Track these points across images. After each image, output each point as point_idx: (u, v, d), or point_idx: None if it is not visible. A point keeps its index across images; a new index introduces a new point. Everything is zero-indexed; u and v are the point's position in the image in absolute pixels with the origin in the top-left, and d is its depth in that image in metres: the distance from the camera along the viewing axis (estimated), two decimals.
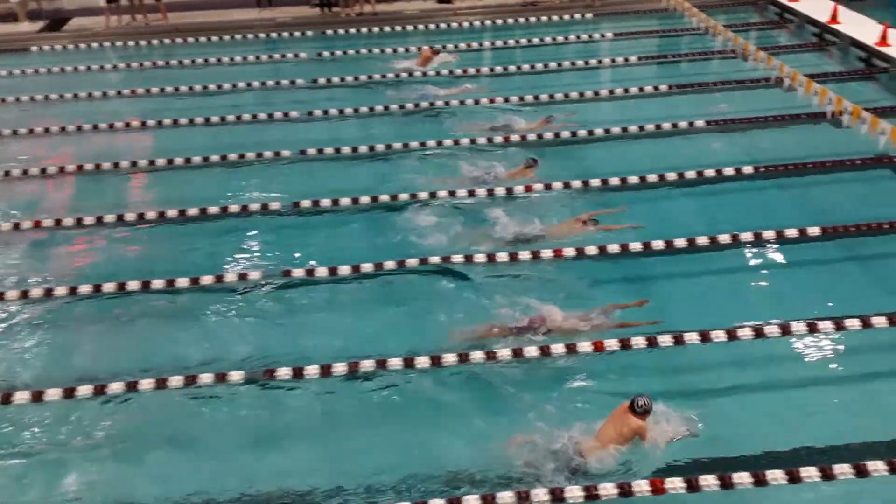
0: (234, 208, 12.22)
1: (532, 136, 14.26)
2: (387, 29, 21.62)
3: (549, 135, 14.27)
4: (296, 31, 21.63)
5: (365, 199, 12.24)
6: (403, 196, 12.21)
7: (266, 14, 22.82)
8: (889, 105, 14.73)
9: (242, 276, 10.49)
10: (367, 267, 10.44)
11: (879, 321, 8.87)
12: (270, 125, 15.69)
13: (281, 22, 22.17)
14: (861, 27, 18.25)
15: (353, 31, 21.57)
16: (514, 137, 14.22)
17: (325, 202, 12.23)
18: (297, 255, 11.07)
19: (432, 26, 21.73)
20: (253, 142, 14.58)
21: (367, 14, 22.39)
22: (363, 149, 14.10)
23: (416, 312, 9.87)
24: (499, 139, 14.15)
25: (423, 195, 12.19)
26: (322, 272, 10.44)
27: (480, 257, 10.46)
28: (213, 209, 12.17)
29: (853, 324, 8.87)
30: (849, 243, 10.70)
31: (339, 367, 8.61)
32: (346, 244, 11.36)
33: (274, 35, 21.51)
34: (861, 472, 6.95)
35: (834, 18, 18.81)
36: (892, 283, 9.97)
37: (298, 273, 10.46)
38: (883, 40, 16.93)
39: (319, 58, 19.57)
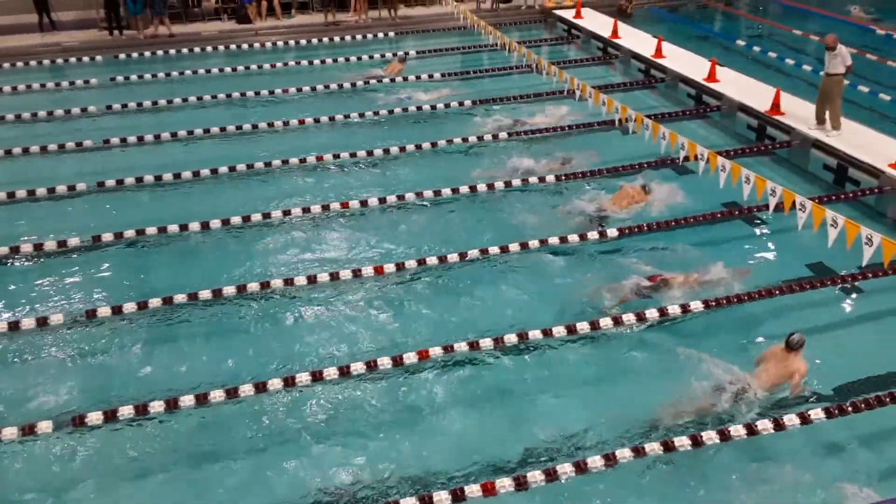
0: (26, 248, 11.31)
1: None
2: (184, 51, 20.92)
3: (361, 153, 14.38)
4: (84, 55, 20.45)
5: (173, 228, 11.77)
6: (215, 223, 11.85)
7: (49, 39, 21.36)
8: (667, 111, 16.13)
9: (42, 321, 9.71)
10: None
11: (697, 306, 9.69)
12: (62, 156, 14.70)
13: (67, 47, 20.87)
14: (639, 41, 19.88)
15: (147, 54, 20.71)
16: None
17: (129, 233, 11.62)
18: (101, 290, 10.47)
19: (233, 47, 21.28)
20: (44, 176, 13.59)
21: (163, 36, 21.54)
22: (167, 176, 13.53)
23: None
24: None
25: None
26: (156, 302, 9.92)
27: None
28: (3, 249, 11.21)
29: (675, 311, 9.62)
30: (645, 239, 11.56)
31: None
32: (159, 274, 10.89)
33: (60, 61, 20.23)
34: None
35: (615, 33, 20.36)
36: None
37: (104, 312, 9.84)
38: (658, 52, 18.52)
39: (113, 83, 18.60)
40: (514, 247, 11.13)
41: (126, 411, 8.18)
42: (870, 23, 22.51)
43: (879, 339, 9.41)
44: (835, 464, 7.66)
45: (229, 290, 10.17)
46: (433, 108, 16.65)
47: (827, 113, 13.75)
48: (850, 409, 7.97)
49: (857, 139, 13.52)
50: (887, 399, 8.10)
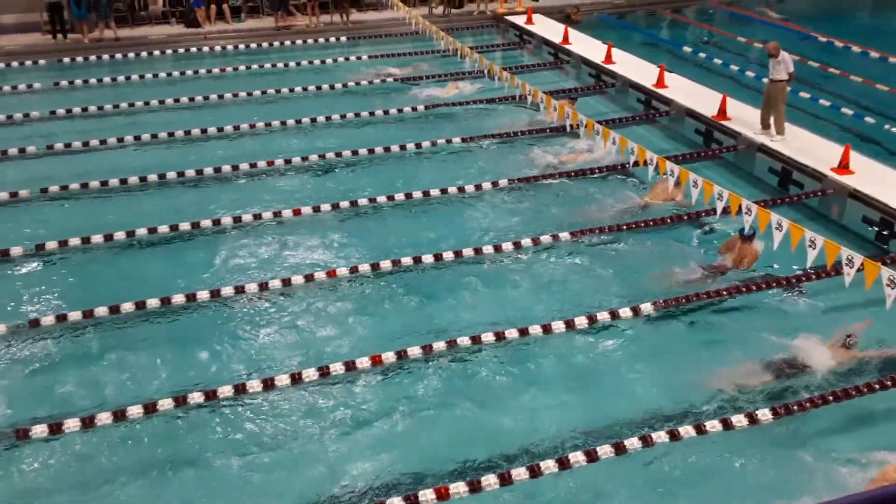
0: None
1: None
2: (131, 55, 20.54)
3: (314, 157, 14.28)
4: (27, 60, 19.95)
5: (119, 235, 11.54)
6: (163, 229, 11.64)
7: None
8: (617, 117, 16.32)
9: None
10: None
11: (626, 313, 9.81)
12: (5, 163, 14.32)
13: (9, 51, 20.35)
14: (589, 46, 20.10)
15: (93, 58, 20.28)
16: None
17: (74, 241, 11.36)
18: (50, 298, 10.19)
19: (181, 51, 20.97)
20: None
21: (109, 40, 21.11)
22: (114, 182, 13.27)
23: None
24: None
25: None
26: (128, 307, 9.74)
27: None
28: None
29: (604, 317, 9.74)
30: (595, 243, 11.68)
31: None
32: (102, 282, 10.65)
33: (2, 65, 19.71)
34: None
35: (566, 39, 20.56)
36: (630, 277, 10.97)
37: (48, 321, 9.59)
38: (608, 58, 18.75)
39: (57, 87, 18.18)
40: (468, 252, 11.19)
41: (72, 424, 7.98)
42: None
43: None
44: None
45: (178, 299, 10.00)
46: (386, 112, 16.61)
47: (771, 118, 14.07)
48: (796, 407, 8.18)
49: (800, 144, 13.85)
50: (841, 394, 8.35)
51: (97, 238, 11.44)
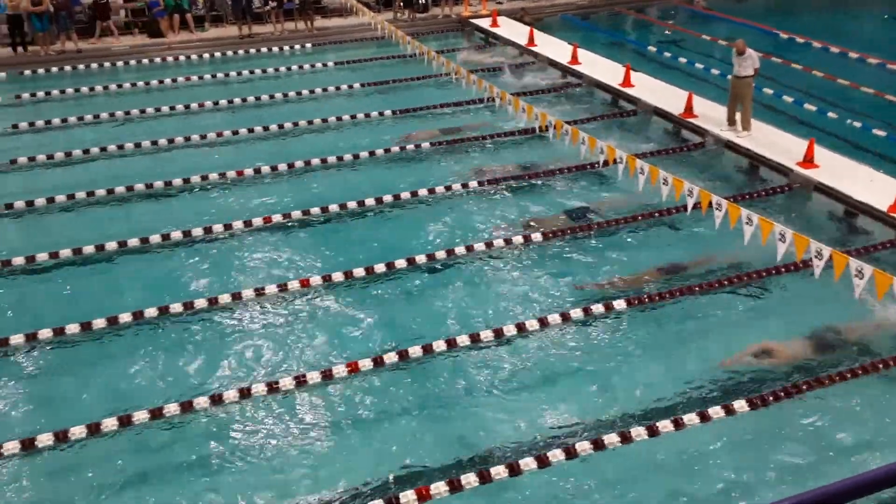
0: None
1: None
2: (94, 66, 20.26)
3: (283, 166, 14.18)
4: None
5: (89, 249, 11.37)
6: (133, 242, 11.49)
7: None
8: (586, 117, 16.39)
9: None
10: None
11: (576, 314, 9.84)
12: None
13: None
14: (555, 48, 20.21)
15: (55, 70, 19.96)
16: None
17: (42, 256, 11.19)
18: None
19: (145, 62, 20.72)
20: None
21: (70, 52, 20.81)
22: (81, 195, 13.06)
23: None
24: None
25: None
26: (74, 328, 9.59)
27: None
28: None
29: (554, 319, 9.72)
30: (552, 244, 11.69)
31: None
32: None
33: None
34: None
35: (531, 41, 20.65)
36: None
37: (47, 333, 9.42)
38: (574, 59, 18.86)
39: (18, 101, 17.87)
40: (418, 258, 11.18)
41: (11, 446, 7.83)
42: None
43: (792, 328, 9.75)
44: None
45: (125, 318, 9.80)
46: (353, 117, 16.55)
47: (738, 115, 14.25)
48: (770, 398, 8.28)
49: (765, 139, 14.06)
50: (804, 387, 8.45)
51: (65, 252, 11.26)
